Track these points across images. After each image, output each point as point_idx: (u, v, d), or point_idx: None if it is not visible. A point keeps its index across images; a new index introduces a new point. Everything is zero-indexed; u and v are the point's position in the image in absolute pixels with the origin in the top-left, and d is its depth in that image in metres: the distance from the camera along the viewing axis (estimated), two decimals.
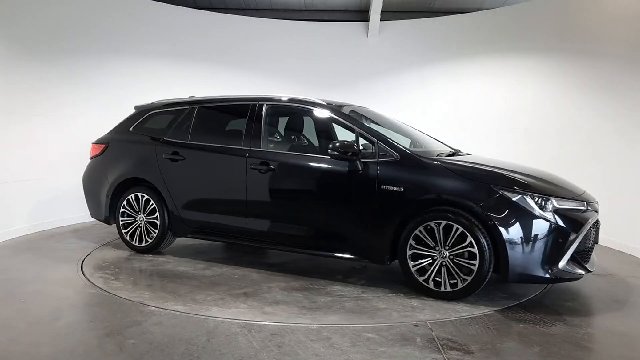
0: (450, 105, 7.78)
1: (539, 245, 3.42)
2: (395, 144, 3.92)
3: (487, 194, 3.52)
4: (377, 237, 3.85)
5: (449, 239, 3.59)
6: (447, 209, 3.61)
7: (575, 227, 3.51)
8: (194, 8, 8.19)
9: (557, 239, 3.44)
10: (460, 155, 4.40)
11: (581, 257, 3.66)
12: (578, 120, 6.37)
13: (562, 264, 3.47)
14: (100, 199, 5.08)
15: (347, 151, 3.86)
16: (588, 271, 3.65)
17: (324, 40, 8.30)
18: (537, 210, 3.45)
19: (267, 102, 4.50)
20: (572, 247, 3.49)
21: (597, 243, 3.88)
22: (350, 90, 7.93)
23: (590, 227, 3.66)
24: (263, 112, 4.44)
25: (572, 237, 3.48)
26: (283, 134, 4.85)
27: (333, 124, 4.53)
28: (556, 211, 3.50)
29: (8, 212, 5.61)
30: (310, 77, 8.11)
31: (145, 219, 4.86)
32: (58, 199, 6.22)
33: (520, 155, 5.79)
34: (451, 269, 3.60)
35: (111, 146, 5.11)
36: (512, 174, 3.71)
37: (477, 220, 3.51)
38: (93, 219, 5.49)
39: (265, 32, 8.24)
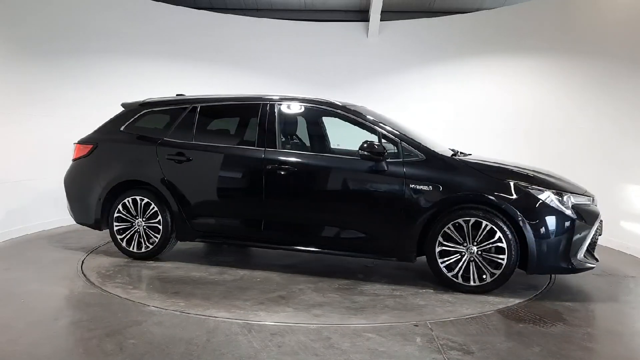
0: (450, 105, 7.78)
1: (562, 239, 3.67)
2: (420, 144, 4.04)
3: (515, 192, 3.73)
4: (405, 235, 3.92)
5: (478, 235, 3.75)
6: (475, 206, 3.78)
7: (590, 220, 3.80)
8: (194, 8, 8.19)
9: (577, 232, 3.70)
10: (465, 155, 4.43)
11: (591, 249, 3.93)
12: (579, 120, 6.37)
13: (580, 255, 3.75)
14: (88, 202, 4.73)
15: (377, 151, 3.92)
16: (597, 261, 3.95)
17: (324, 40, 8.30)
18: (560, 207, 3.71)
19: (279, 102, 4.42)
20: (588, 239, 3.78)
21: (600, 235, 4.06)
22: (350, 90, 7.94)
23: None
24: (276, 112, 4.36)
25: (588, 230, 3.77)
26: (298, 134, 4.81)
27: (352, 124, 4.40)
28: (573, 207, 3.76)
29: (8, 212, 5.61)
30: (311, 77, 8.11)
31: (144, 224, 4.59)
32: (58, 199, 6.20)
33: (521, 154, 5.78)
34: (480, 264, 3.77)
35: (101, 147, 4.77)
36: (536, 174, 3.96)
37: (505, 217, 3.71)
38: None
39: (265, 32, 8.24)
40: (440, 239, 3.82)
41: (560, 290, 3.99)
